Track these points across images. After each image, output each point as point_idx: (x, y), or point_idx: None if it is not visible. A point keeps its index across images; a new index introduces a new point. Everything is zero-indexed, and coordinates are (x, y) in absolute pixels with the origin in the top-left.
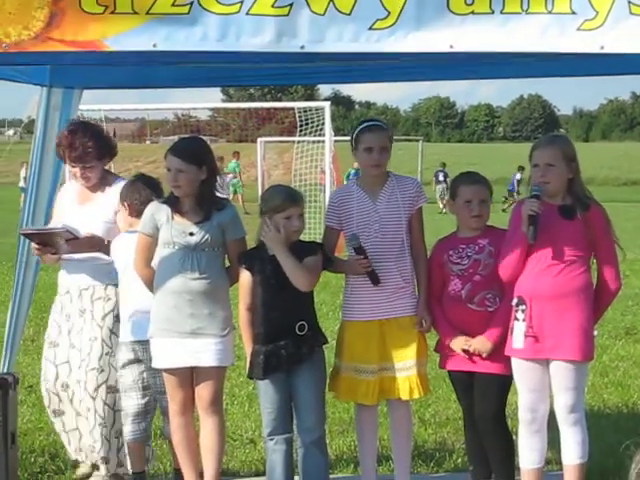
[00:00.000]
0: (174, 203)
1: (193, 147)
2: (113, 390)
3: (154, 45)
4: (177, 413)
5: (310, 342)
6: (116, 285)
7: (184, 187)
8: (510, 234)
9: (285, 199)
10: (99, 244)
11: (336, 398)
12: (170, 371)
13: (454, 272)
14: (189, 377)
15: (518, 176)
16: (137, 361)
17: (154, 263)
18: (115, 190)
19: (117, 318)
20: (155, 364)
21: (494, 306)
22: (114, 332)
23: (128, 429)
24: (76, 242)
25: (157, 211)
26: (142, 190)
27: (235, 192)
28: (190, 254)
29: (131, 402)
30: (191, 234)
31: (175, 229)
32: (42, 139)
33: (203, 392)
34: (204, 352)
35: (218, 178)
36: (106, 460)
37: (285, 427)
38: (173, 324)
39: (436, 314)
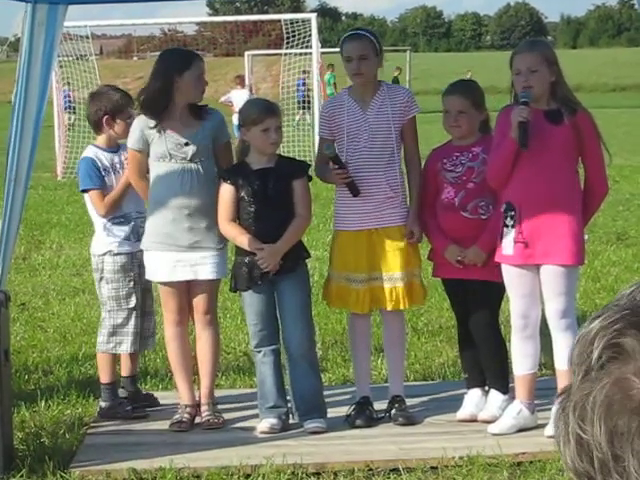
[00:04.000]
0: (164, 116)
1: None
2: None
3: None
4: (172, 323)
5: (292, 255)
6: None
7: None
8: (497, 141)
9: (262, 111)
10: None
11: (328, 305)
12: (168, 283)
13: (447, 180)
14: (185, 288)
15: None
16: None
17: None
18: None
19: None
20: (152, 277)
21: (487, 214)
22: None
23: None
24: None
25: (146, 126)
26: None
27: None
28: (188, 168)
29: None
30: (187, 144)
31: (170, 141)
32: (28, 56)
33: (200, 304)
34: (202, 265)
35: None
36: None
37: (272, 338)
38: (172, 238)
39: (429, 223)
